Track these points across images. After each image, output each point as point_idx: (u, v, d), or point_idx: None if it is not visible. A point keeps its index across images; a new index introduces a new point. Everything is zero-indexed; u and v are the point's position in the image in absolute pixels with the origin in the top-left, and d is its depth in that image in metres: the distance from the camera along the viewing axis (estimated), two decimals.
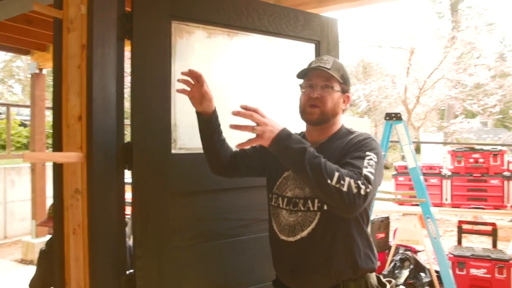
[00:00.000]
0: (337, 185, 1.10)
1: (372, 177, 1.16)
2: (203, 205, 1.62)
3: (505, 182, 3.92)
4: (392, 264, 4.06)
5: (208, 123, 1.44)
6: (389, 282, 1.35)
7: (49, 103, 5.04)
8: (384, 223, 4.44)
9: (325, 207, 1.26)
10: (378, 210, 5.45)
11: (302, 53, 1.90)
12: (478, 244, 5.02)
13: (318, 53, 1.92)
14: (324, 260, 1.28)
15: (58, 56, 1.48)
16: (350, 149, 1.27)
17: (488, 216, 7.21)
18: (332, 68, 1.33)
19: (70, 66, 1.46)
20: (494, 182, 3.92)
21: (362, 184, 1.12)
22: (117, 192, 1.43)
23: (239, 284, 1.70)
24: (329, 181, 1.10)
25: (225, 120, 1.67)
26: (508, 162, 4.02)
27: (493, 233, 4.06)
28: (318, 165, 1.13)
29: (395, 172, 4.88)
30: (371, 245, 1.34)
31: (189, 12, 1.58)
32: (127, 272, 1.46)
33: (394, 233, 3.91)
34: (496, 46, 14.92)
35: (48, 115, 5.86)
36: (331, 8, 2.25)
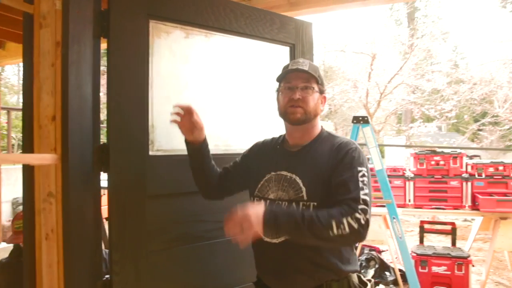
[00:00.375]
0: (339, 232, 1.14)
1: (368, 198, 1.22)
2: (180, 208, 1.60)
3: (464, 183, 4.14)
4: (358, 264, 4.18)
5: (199, 151, 1.47)
6: (369, 281, 1.40)
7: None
8: None
9: (311, 209, 1.28)
10: None
11: (277, 56, 1.93)
12: (437, 243, 5.27)
13: (293, 56, 1.96)
14: (307, 262, 1.30)
15: (29, 53, 1.41)
16: (340, 166, 1.28)
17: (443, 216, 7.59)
18: (309, 70, 1.35)
19: (42, 64, 1.39)
20: (454, 183, 4.12)
21: (361, 213, 1.17)
22: (93, 195, 1.38)
23: (217, 286, 1.69)
24: (330, 233, 1.15)
25: (203, 121, 1.67)
26: (467, 164, 4.25)
27: (453, 232, 4.29)
28: (313, 224, 1.16)
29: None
30: (353, 248, 1.39)
31: (167, 11, 1.56)
32: (104, 278, 1.41)
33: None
34: (449, 54, 15.84)
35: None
36: (302, 12, 2.30)
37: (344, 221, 1.15)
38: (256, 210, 1.19)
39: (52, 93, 1.37)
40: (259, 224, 1.17)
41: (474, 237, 4.88)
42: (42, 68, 1.40)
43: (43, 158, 1.29)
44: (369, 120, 3.76)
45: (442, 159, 4.13)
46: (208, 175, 1.50)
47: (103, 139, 1.52)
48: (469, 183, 4.08)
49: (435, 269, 3.84)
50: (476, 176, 4.07)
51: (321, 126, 1.45)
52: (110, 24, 1.43)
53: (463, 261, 3.80)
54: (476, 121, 10.42)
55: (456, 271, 3.80)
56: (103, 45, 1.49)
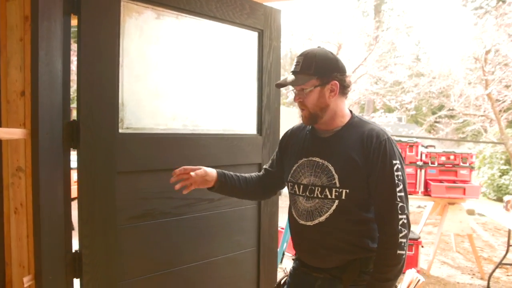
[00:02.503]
0: (404, 249, 1.29)
1: (403, 194, 1.32)
2: (148, 184, 1.64)
3: (418, 171, 4.41)
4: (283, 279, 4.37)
5: (221, 187, 1.54)
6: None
7: None
8: None
9: (343, 197, 1.34)
10: None
11: (246, 40, 1.99)
12: None
13: (261, 41, 2.02)
14: (339, 241, 1.37)
15: None
16: (377, 162, 1.32)
17: None
18: (301, 70, 1.36)
19: (10, 38, 1.39)
20: (409, 170, 4.38)
21: (401, 216, 1.29)
22: (63, 170, 1.41)
23: (184, 261, 1.76)
24: (403, 257, 1.29)
25: (172, 101, 1.73)
26: (421, 153, 4.52)
27: None
28: (396, 271, 1.29)
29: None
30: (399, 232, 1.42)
31: None
32: (73, 251, 1.45)
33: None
34: (412, 47, 16.43)
35: None
36: None
37: (401, 239, 1.28)
38: None
39: (20, 68, 1.37)
40: None
41: (425, 221, 5.24)
42: (10, 43, 1.39)
43: (12, 133, 1.30)
44: None
45: (399, 147, 4.37)
46: (246, 191, 1.60)
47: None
48: (423, 171, 4.36)
49: None
50: (430, 164, 4.35)
51: (351, 112, 1.45)
52: (81, 1, 1.43)
53: (414, 242, 4.09)
54: (433, 113, 10.98)
55: (407, 252, 4.10)
56: (74, 22, 1.50)
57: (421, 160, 4.44)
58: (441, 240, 5.51)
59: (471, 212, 7.78)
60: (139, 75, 1.61)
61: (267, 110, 2.07)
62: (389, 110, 10.83)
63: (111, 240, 1.51)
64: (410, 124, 17.81)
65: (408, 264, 3.99)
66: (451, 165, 4.32)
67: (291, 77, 1.38)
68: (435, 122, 11.10)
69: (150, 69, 1.64)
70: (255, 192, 1.63)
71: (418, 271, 4.15)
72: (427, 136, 11.55)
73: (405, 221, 1.30)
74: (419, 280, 1.60)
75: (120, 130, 1.55)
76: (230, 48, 1.93)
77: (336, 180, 1.35)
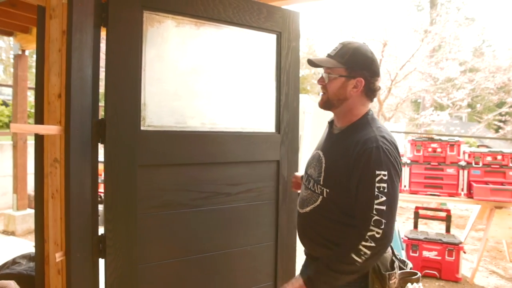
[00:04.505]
0: (363, 257, 1.23)
1: (383, 206, 1.24)
2: (167, 178, 1.81)
3: (460, 171, 4.20)
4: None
5: None
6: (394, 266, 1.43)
7: (30, 83, 5.11)
8: None
9: (325, 195, 1.38)
10: None
11: (265, 43, 2.09)
12: (438, 230, 5.36)
13: (279, 43, 2.11)
14: (317, 234, 1.43)
15: (41, 40, 1.64)
16: (356, 169, 1.29)
17: (452, 204, 7.62)
18: (335, 55, 1.38)
19: (51, 49, 1.62)
20: (450, 171, 4.18)
21: (373, 228, 1.22)
22: (91, 162, 1.61)
23: (200, 250, 1.90)
24: (357, 264, 1.24)
25: (192, 101, 1.88)
26: (464, 153, 4.31)
27: (447, 219, 4.38)
28: (341, 267, 1.27)
29: None
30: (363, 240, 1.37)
31: (160, 3, 1.75)
32: (99, 234, 1.65)
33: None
34: (474, 41, 15.35)
35: (30, 95, 5.89)
36: (294, 1, 2.35)
37: (361, 246, 1.23)
38: (295, 285, 1.34)
39: (58, 74, 1.60)
40: None
41: (472, 225, 4.97)
42: (51, 53, 1.63)
43: (50, 129, 1.53)
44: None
45: (440, 146, 4.21)
46: None
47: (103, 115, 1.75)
48: (466, 171, 4.15)
49: (425, 253, 3.97)
50: (473, 164, 4.14)
51: (367, 112, 1.43)
52: (108, 15, 1.63)
53: (454, 247, 3.90)
54: (492, 110, 10.25)
55: (446, 257, 3.92)
56: (104, 33, 1.70)
57: (464, 160, 4.24)
58: (492, 247, 5.19)
59: None
60: (160, 78, 1.78)
61: (285, 109, 2.15)
62: (441, 107, 10.29)
63: (132, 226, 1.70)
64: (472, 123, 16.70)
65: (447, 270, 3.89)
66: (498, 166, 4.08)
67: (323, 58, 1.41)
68: (496, 119, 10.31)
69: (170, 73, 1.81)
70: None
71: (459, 279, 3.98)
72: (486, 135, 10.79)
73: (377, 235, 1.23)
74: None
75: (142, 128, 1.73)
76: (248, 50, 2.04)
77: (322, 178, 1.40)
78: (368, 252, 1.23)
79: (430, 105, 10.22)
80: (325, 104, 1.44)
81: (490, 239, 4.09)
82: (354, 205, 1.31)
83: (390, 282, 1.35)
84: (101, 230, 1.67)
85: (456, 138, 4.28)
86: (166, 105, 1.80)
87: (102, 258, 1.65)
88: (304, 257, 1.58)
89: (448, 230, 4.41)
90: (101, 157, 1.65)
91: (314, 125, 4.15)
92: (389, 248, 1.42)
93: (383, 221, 1.23)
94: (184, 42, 1.83)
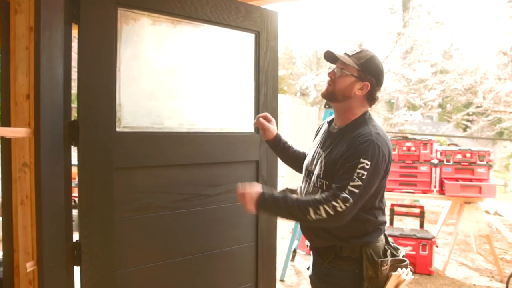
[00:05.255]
0: (316, 216, 1.35)
1: (356, 190, 1.35)
2: (145, 180, 1.75)
3: (433, 169, 4.33)
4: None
5: (274, 145, 1.88)
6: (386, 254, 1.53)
7: None
8: None
9: (324, 187, 1.48)
10: None
11: (243, 42, 2.07)
12: (413, 226, 5.51)
13: (258, 43, 2.09)
14: (319, 229, 1.52)
15: (6, 37, 1.55)
16: (349, 152, 1.41)
17: (426, 200, 7.86)
18: (353, 55, 1.51)
19: (18, 46, 1.54)
20: (424, 168, 4.30)
21: (339, 201, 1.34)
22: (64, 166, 1.54)
23: (180, 253, 1.86)
24: (308, 217, 1.36)
25: (169, 101, 1.83)
26: (436, 151, 4.44)
27: (421, 215, 4.51)
28: (294, 210, 1.40)
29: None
30: (368, 224, 1.49)
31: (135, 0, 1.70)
32: (74, 241, 1.58)
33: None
34: (443, 43, 15.89)
35: None
36: (272, 0, 2.35)
37: (321, 208, 1.35)
38: (252, 191, 1.48)
39: (26, 73, 1.52)
40: (252, 203, 1.47)
41: (444, 220, 5.13)
42: (18, 51, 1.54)
43: (17, 131, 1.44)
44: None
45: (413, 145, 4.32)
46: (291, 159, 1.87)
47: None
48: (438, 169, 4.28)
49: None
50: (445, 162, 4.27)
51: (365, 112, 1.56)
52: (80, 11, 1.56)
53: (428, 242, 4.03)
54: (460, 111, 10.64)
55: (420, 251, 4.04)
56: (76, 31, 1.63)
57: (436, 158, 4.36)
58: (461, 241, 5.39)
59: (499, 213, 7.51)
60: (136, 78, 1.73)
61: (264, 109, 2.13)
62: (414, 108, 10.60)
63: (108, 231, 1.63)
64: (442, 122, 17.27)
65: (421, 264, 4.00)
66: (467, 163, 4.22)
67: (342, 55, 1.53)
68: (464, 119, 10.73)
69: (146, 72, 1.76)
70: (298, 163, 1.83)
71: (432, 272, 4.10)
72: (456, 134, 11.18)
73: (339, 209, 1.34)
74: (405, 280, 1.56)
75: (118, 129, 1.67)
76: (227, 49, 2.01)
77: (322, 172, 1.51)
78: (324, 215, 1.35)
79: (403, 105, 10.50)
80: (329, 95, 1.56)
81: (459, 233, 4.24)
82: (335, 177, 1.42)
83: (382, 268, 1.47)
84: (76, 237, 1.59)
85: (429, 137, 4.40)
86: (143, 105, 1.74)
87: (77, 265, 1.58)
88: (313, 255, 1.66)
89: (421, 225, 4.54)
90: (74, 160, 1.58)
91: (291, 125, 4.16)
92: (383, 237, 1.55)
93: (351, 201, 1.34)
94: (160, 41, 1.78)
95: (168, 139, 1.79)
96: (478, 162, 4.18)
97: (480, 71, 8.53)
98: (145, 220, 1.75)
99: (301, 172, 1.76)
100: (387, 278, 1.50)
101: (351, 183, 1.35)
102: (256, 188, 1.49)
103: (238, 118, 2.09)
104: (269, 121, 1.84)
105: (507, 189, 10.57)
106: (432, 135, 8.54)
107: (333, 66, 1.56)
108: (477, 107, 9.00)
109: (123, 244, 1.68)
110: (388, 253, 1.53)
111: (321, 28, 11.25)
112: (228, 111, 2.04)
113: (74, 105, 1.64)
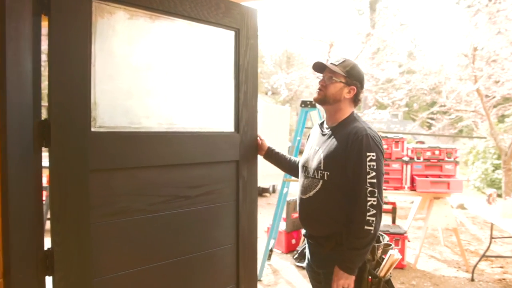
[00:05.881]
0: (372, 225, 1.58)
1: (374, 180, 1.60)
2: (123, 182, 1.66)
3: (404, 166, 4.45)
4: (302, 246, 4.43)
5: (268, 158, 2.19)
6: (382, 236, 1.82)
7: None
8: None
9: (326, 178, 1.72)
10: (293, 191, 5.83)
11: (223, 40, 2.02)
12: (384, 222, 5.66)
13: (238, 40, 2.05)
14: (322, 214, 1.76)
15: None
16: (352, 154, 1.65)
17: (400, 197, 8.09)
18: (339, 65, 1.78)
19: None
20: (395, 166, 4.43)
21: (370, 198, 1.59)
22: (34, 168, 1.42)
23: (160, 257, 1.79)
24: (371, 233, 1.59)
25: (147, 100, 1.75)
26: (407, 149, 4.57)
27: (393, 211, 4.64)
28: (362, 243, 1.60)
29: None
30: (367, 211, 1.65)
31: None
32: (46, 248, 1.47)
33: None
34: (408, 45, 16.43)
35: None
36: None
37: (368, 217, 1.58)
38: (339, 274, 1.65)
39: None
40: (349, 278, 1.64)
41: (415, 216, 5.29)
42: None
43: None
44: (316, 104, 3.93)
45: (386, 143, 4.42)
46: (286, 166, 2.18)
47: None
48: (409, 166, 4.40)
49: None
50: (415, 159, 4.40)
51: (352, 112, 1.83)
52: (51, 1, 1.45)
53: (400, 237, 4.15)
54: (425, 110, 11.03)
55: (393, 246, 4.15)
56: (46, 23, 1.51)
57: (407, 155, 4.49)
58: (429, 234, 5.58)
59: (463, 207, 7.85)
60: (112, 75, 1.63)
61: (244, 108, 2.09)
62: (382, 107, 10.89)
63: (84, 237, 1.53)
64: (407, 120, 17.87)
65: None
66: (436, 160, 4.37)
67: (330, 64, 1.79)
68: (428, 118, 11.14)
69: (123, 69, 1.66)
70: (293, 169, 2.14)
71: (404, 266, 4.22)
72: (421, 132, 11.59)
73: (375, 203, 1.59)
74: (397, 258, 1.78)
75: (93, 129, 1.57)
76: (206, 46, 1.95)
77: (322, 164, 1.74)
78: (374, 219, 1.58)
79: (372, 104, 10.75)
80: (321, 100, 1.82)
81: (428, 227, 4.39)
82: (351, 183, 1.65)
83: (378, 251, 1.71)
84: (48, 244, 1.49)
85: (400, 135, 4.52)
86: (120, 104, 1.65)
87: (49, 275, 1.47)
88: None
89: (394, 221, 4.66)
90: (46, 162, 1.47)
91: (264, 124, 4.14)
92: None
93: (376, 190, 1.60)
94: (138, 36, 1.70)
95: (146, 139, 1.71)
96: (446, 159, 4.34)
97: (443, 71, 8.86)
98: (122, 224, 1.66)
99: (293, 175, 2.11)
100: (380, 259, 1.74)
101: (368, 176, 1.60)
102: (341, 274, 1.64)
103: (218, 117, 2.03)
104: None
105: (469, 184, 11.10)
106: (399, 133, 8.81)
107: (319, 74, 1.85)
108: (441, 106, 9.35)
109: (99, 250, 1.59)
110: (381, 238, 1.80)
111: (291, 27, 11.29)
112: (208, 110, 1.98)
113: (45, 103, 1.53)
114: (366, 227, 1.58)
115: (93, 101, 1.57)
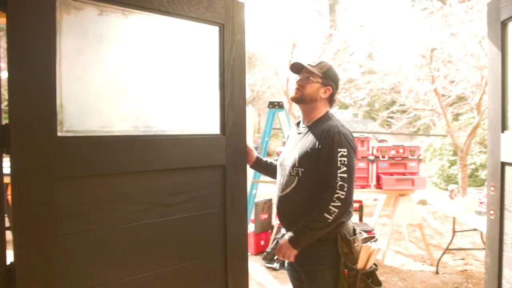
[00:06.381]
0: (333, 215, 1.65)
1: (345, 175, 1.66)
2: (94, 190, 1.55)
3: (370, 165, 4.56)
4: (274, 242, 4.42)
5: (257, 167, 2.18)
6: (360, 233, 1.85)
7: None
8: (267, 204, 4.80)
9: (300, 174, 1.79)
10: (261, 193, 5.83)
11: (206, 35, 1.90)
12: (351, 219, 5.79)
13: (222, 36, 1.92)
14: (299, 209, 1.80)
15: None
16: (323, 149, 1.72)
17: (365, 195, 8.29)
18: (316, 66, 1.86)
19: None
20: (361, 164, 4.53)
21: (338, 191, 1.65)
22: None
23: (137, 271, 1.67)
24: (329, 221, 1.66)
25: (121, 102, 1.65)
26: (372, 148, 4.69)
27: (360, 209, 4.75)
28: (317, 225, 1.68)
29: (277, 157, 5.27)
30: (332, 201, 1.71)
31: None
32: (8, 263, 1.35)
33: (277, 214, 4.28)
34: (366, 46, 16.97)
35: None
36: None
37: (331, 206, 1.65)
38: (282, 242, 1.78)
39: None
40: (289, 249, 1.75)
41: (379, 213, 5.45)
42: None
43: None
44: (284, 105, 3.96)
45: None
46: (274, 172, 2.14)
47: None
48: (374, 164, 4.52)
49: None
50: (380, 158, 4.52)
51: (327, 111, 1.91)
52: None
53: (368, 234, 4.23)
54: (386, 109, 11.44)
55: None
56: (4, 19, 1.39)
57: (372, 154, 4.60)
58: (394, 231, 5.77)
59: (423, 202, 8.18)
60: (81, 75, 1.51)
61: (230, 109, 1.95)
62: (345, 106, 11.16)
63: (50, 250, 1.41)
64: (367, 119, 18.46)
65: None
66: (400, 158, 4.52)
67: (308, 65, 1.86)
68: (389, 117, 11.56)
69: (93, 69, 1.55)
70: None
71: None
72: (381, 131, 12.00)
73: (342, 196, 1.65)
74: (374, 249, 1.78)
75: (59, 134, 1.45)
76: (188, 43, 1.84)
77: (296, 161, 1.81)
78: (336, 210, 1.64)
79: (335, 104, 10.99)
80: (299, 99, 1.90)
81: (396, 224, 4.54)
82: (323, 177, 1.70)
83: (354, 245, 1.74)
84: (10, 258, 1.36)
85: (365, 135, 4.63)
86: (90, 106, 1.54)
87: None
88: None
89: (361, 219, 4.77)
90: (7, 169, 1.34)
91: None
92: (351, 220, 1.83)
93: (345, 185, 1.66)
94: (109, 34, 1.59)
95: (120, 144, 1.60)
96: (410, 156, 4.49)
97: (402, 72, 9.21)
98: (94, 235, 1.55)
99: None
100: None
101: (339, 171, 1.65)
102: (284, 242, 1.77)
103: (202, 119, 1.90)
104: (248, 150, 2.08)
105: (429, 180, 11.62)
106: (362, 132, 9.04)
107: (295, 75, 1.94)
108: (401, 105, 9.73)
109: (68, 264, 1.47)
110: (357, 231, 1.84)
111: (253, 28, 11.28)
112: (190, 112, 1.86)
113: (4, 106, 1.39)
114: (325, 214, 1.65)
115: (59, 103, 1.45)
